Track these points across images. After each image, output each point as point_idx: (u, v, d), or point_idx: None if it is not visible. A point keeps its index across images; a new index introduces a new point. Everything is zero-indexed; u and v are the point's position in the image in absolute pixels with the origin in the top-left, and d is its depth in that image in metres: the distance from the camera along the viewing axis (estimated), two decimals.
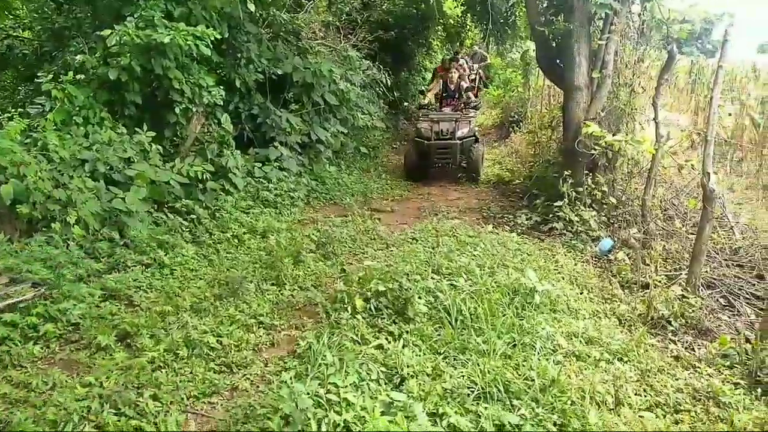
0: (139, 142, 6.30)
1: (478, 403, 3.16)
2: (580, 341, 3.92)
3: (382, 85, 11.94)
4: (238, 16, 7.60)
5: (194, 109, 7.01)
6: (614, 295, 4.94)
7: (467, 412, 3.09)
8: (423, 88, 11.73)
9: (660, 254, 5.55)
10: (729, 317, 4.74)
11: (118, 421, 3.07)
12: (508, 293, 4.38)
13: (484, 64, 15.64)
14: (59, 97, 6.10)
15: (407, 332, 3.98)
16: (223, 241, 5.99)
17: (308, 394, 3.05)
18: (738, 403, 3.35)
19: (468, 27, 18.30)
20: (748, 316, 4.73)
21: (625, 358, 3.79)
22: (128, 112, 6.68)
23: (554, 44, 7.46)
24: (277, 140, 8.67)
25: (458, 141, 9.18)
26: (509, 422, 2.97)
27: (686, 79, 15.68)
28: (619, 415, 3.17)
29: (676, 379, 3.63)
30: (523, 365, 3.50)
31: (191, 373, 3.59)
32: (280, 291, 4.92)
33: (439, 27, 17.09)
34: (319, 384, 3.21)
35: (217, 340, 3.95)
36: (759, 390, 3.50)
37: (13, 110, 6.09)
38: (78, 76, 6.26)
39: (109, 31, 6.25)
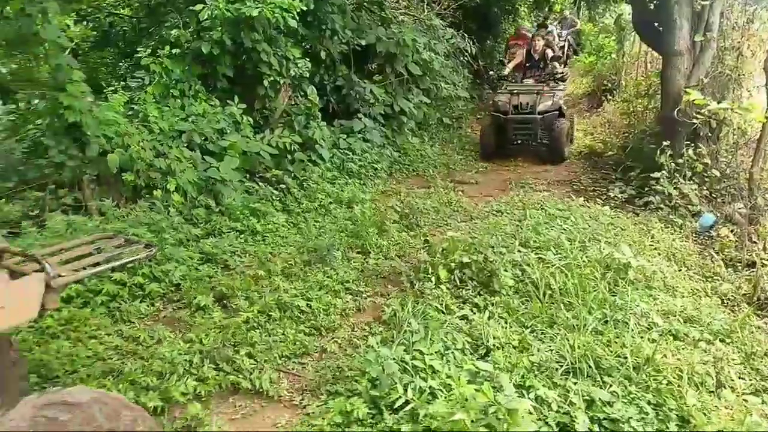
0: (231, 114, 6.53)
1: (566, 378, 3.09)
2: (678, 320, 3.73)
3: (466, 53, 11.70)
4: None
5: (282, 82, 7.16)
6: (716, 273, 4.64)
7: (555, 386, 3.03)
8: (502, 58, 10.96)
9: None
10: None
11: (217, 375, 3.26)
12: (600, 268, 4.22)
13: (573, 30, 14.90)
14: (157, 71, 6.41)
15: (492, 304, 3.94)
16: (311, 210, 6.15)
17: (394, 359, 3.10)
18: None
19: None
20: None
21: (728, 340, 3.57)
22: (220, 84, 6.93)
23: (653, 6, 6.98)
24: (361, 112, 8.72)
25: (539, 116, 8.38)
26: (600, 398, 2.88)
27: None
28: (719, 398, 3.00)
29: None
30: (615, 342, 3.38)
31: (283, 334, 3.75)
32: (365, 259, 5.01)
33: None
34: (405, 350, 3.26)
35: (307, 304, 4.09)
36: None
37: (116, 84, 6.49)
38: (173, 51, 6.54)
39: (201, 6, 6.46)
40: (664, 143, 6.15)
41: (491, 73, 12.19)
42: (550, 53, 9.48)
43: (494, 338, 3.47)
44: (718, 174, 6.05)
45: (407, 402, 2.84)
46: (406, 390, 2.91)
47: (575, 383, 3.02)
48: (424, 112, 9.85)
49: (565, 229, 5.12)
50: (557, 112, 8.54)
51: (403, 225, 5.86)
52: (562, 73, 9.21)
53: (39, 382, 3.11)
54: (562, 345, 3.35)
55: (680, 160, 6.02)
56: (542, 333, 3.59)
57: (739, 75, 6.81)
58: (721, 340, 3.54)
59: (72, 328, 3.69)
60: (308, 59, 7.56)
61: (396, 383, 2.94)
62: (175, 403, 3.05)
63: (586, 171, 8.19)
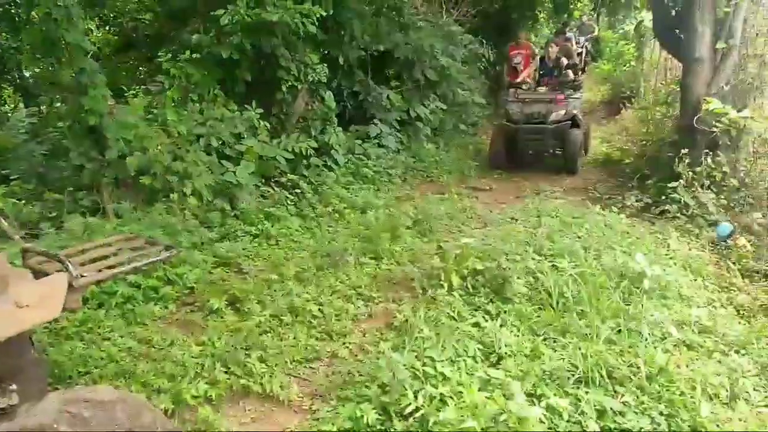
0: (249, 119, 6.60)
1: (578, 387, 3.06)
2: (693, 330, 3.67)
3: (484, 59, 11.69)
4: None
5: (300, 87, 7.22)
6: (733, 283, 4.57)
7: (567, 394, 3.00)
8: (516, 61, 10.32)
9: None
10: None
11: (228, 378, 3.28)
12: (615, 277, 4.19)
13: (590, 36, 14.79)
14: (177, 76, 6.51)
15: (505, 312, 3.92)
16: (325, 215, 6.18)
17: (405, 365, 3.10)
18: None
19: None
20: None
21: (743, 351, 3.50)
22: (238, 89, 7.01)
23: (674, 12, 6.92)
24: (377, 117, 8.76)
25: (551, 126, 8.05)
26: (611, 408, 2.86)
27: None
28: (734, 410, 2.95)
29: None
30: (629, 352, 3.34)
31: (294, 338, 3.77)
32: (377, 265, 5.01)
33: None
34: (416, 356, 3.26)
35: (319, 309, 4.10)
36: None
37: (136, 88, 6.59)
38: (194, 55, 6.63)
39: (222, 11, 6.55)
40: (683, 151, 6.09)
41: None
42: (564, 61, 9.27)
43: (506, 346, 3.44)
44: (736, 183, 5.95)
45: (417, 408, 2.84)
46: (416, 396, 2.91)
47: (587, 392, 2.99)
48: (440, 118, 9.87)
49: (579, 237, 5.08)
50: (570, 122, 8.23)
51: (417, 231, 5.85)
52: (577, 81, 8.99)
53: (52, 383, 3.16)
54: (575, 354, 3.32)
55: (698, 169, 5.94)
56: (554, 341, 3.56)
57: (761, 83, 6.71)
58: (737, 352, 3.48)
59: (86, 330, 3.74)
60: (326, 65, 7.62)
61: (406, 389, 2.94)
62: (186, 406, 3.07)
63: (602, 179, 8.12)
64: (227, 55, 6.60)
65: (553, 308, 3.89)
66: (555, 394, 2.96)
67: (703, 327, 3.73)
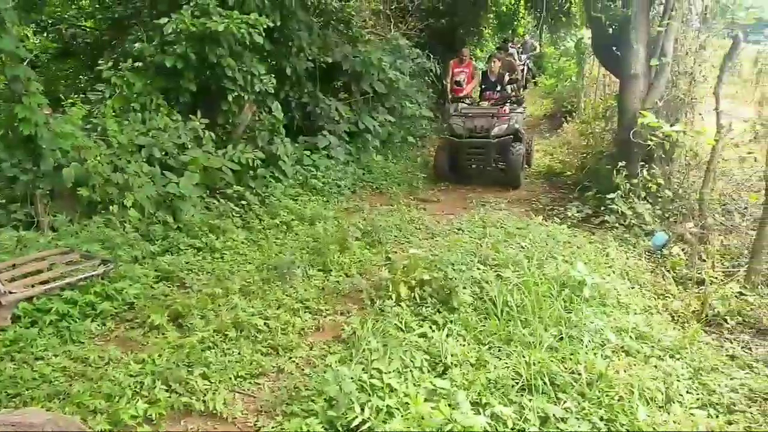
0: (193, 129, 6.47)
1: (522, 395, 3.12)
2: (630, 336, 3.80)
3: (431, 74, 11.87)
4: (290, 4, 7.68)
5: (246, 97, 7.14)
6: (667, 290, 4.77)
7: (511, 402, 3.05)
8: (459, 79, 10.45)
9: (717, 250, 5.33)
10: None
11: (169, 397, 3.18)
12: (556, 286, 4.29)
13: (531, 55, 15.25)
14: (118, 84, 6.34)
15: (451, 322, 3.96)
16: (272, 227, 6.10)
17: (352, 378, 3.08)
18: None
19: (521, 15, 17.95)
20: None
21: (678, 356, 3.66)
22: (183, 99, 6.87)
23: (611, 31, 7.23)
24: (325, 128, 8.76)
25: (494, 140, 8.08)
26: (554, 415, 2.92)
27: (751, 68, 14.93)
28: (668, 413, 3.07)
29: (731, 379, 3.47)
30: (570, 359, 3.44)
31: (239, 353, 3.68)
32: (326, 277, 4.98)
33: (491, 15, 16.82)
34: (363, 369, 3.24)
35: (265, 323, 4.03)
36: None
37: (75, 97, 6.37)
38: (136, 64, 6.48)
39: (165, 20, 6.42)
40: (620, 164, 6.33)
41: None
42: (507, 76, 9.44)
43: (452, 356, 3.48)
44: (670, 194, 6.23)
45: (364, 421, 2.82)
46: (363, 409, 2.89)
47: (530, 400, 3.05)
48: (389, 130, 9.94)
49: (523, 247, 5.21)
50: (513, 136, 8.31)
51: (366, 242, 5.85)
52: (519, 96, 9.10)
53: None
54: (519, 362, 3.39)
55: (635, 181, 6.19)
56: (499, 350, 3.62)
57: (691, 99, 7.06)
58: (671, 356, 3.63)
59: (17, 349, 3.56)
60: (273, 75, 7.57)
61: (353, 403, 2.92)
62: (124, 427, 2.96)
63: (545, 190, 8.35)
64: (171, 64, 6.47)
65: (498, 317, 3.95)
66: (500, 403, 3.00)
67: (640, 333, 3.87)
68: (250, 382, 3.47)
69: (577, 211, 6.74)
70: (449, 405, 2.83)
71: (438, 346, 3.57)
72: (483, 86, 9.67)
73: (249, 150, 6.82)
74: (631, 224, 5.96)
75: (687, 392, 3.27)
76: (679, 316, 4.36)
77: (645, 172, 6.24)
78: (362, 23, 10.80)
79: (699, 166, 6.65)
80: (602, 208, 6.39)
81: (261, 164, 6.90)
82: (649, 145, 6.22)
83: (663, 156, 6.59)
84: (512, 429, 2.86)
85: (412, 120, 10.90)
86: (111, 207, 5.27)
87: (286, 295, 4.52)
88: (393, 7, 12.34)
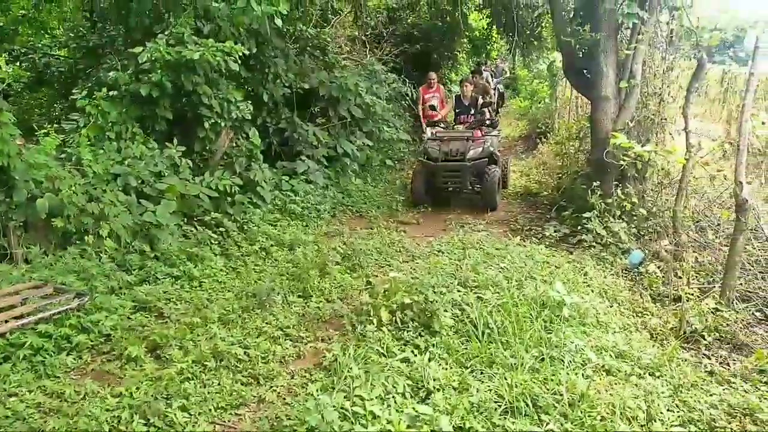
0: (170, 157, 6.44)
1: (505, 418, 3.12)
2: (610, 355, 3.83)
3: (407, 98, 12.01)
4: (265, 31, 7.74)
5: (223, 124, 7.14)
6: (645, 308, 4.83)
7: (494, 426, 3.05)
8: (433, 103, 10.49)
9: (692, 267, 5.42)
10: (765, 331, 4.59)
11: (147, 431, 3.11)
12: (536, 306, 4.32)
13: (501, 79, 15.55)
14: (93, 113, 6.29)
15: (433, 345, 3.95)
16: (251, 254, 6.06)
17: (334, 406, 3.05)
18: None
19: (494, 39, 18.30)
20: None
21: (657, 373, 3.69)
22: (159, 127, 6.84)
23: (581, 54, 7.40)
24: (303, 154, 8.78)
25: (469, 163, 8.14)
26: None
27: (718, 88, 15.35)
28: (650, 431, 3.09)
29: (711, 395, 3.51)
30: (552, 379, 3.44)
31: (219, 384, 3.63)
32: (306, 303, 4.95)
33: (465, 39, 17.12)
34: (345, 396, 3.22)
35: (245, 352, 3.98)
36: None
37: (48, 126, 6.30)
38: (111, 93, 6.45)
39: (140, 48, 6.42)
40: (594, 184, 6.44)
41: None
42: (480, 99, 9.55)
43: (434, 380, 3.46)
44: (645, 212, 6.35)
45: None
46: None
47: (513, 423, 3.05)
48: (367, 154, 10.00)
49: (502, 268, 5.24)
50: (488, 159, 8.37)
51: (346, 266, 5.84)
52: (493, 119, 9.15)
53: None
54: (501, 384, 3.39)
55: (609, 200, 6.29)
56: (482, 373, 3.61)
57: (661, 119, 7.24)
58: (651, 374, 3.66)
59: None
60: (250, 102, 7.59)
61: (335, 431, 2.89)
62: None
63: (522, 211, 8.44)
64: (146, 92, 6.45)
65: (479, 340, 3.95)
66: (483, 427, 3.00)
67: (620, 351, 3.90)
68: (230, 414, 3.41)
69: (555, 231, 6.82)
70: (432, 431, 2.82)
71: (420, 370, 3.56)
72: (457, 110, 9.77)
73: (226, 176, 6.80)
74: (608, 243, 6.04)
75: (668, 410, 3.29)
76: (657, 333, 4.41)
77: (619, 192, 6.36)
78: (338, 49, 10.94)
79: (671, 184, 6.80)
80: (579, 228, 6.48)
81: (239, 190, 6.88)
82: (622, 165, 6.34)
83: (636, 175, 6.72)
84: None
85: (390, 143, 11.00)
86: (86, 237, 5.20)
87: (266, 323, 4.47)
88: (368, 33, 12.53)
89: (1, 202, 5.04)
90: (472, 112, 9.48)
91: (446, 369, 3.64)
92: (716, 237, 6.15)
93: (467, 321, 4.17)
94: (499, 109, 11.97)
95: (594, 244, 6.09)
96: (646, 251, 5.86)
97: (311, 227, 7.34)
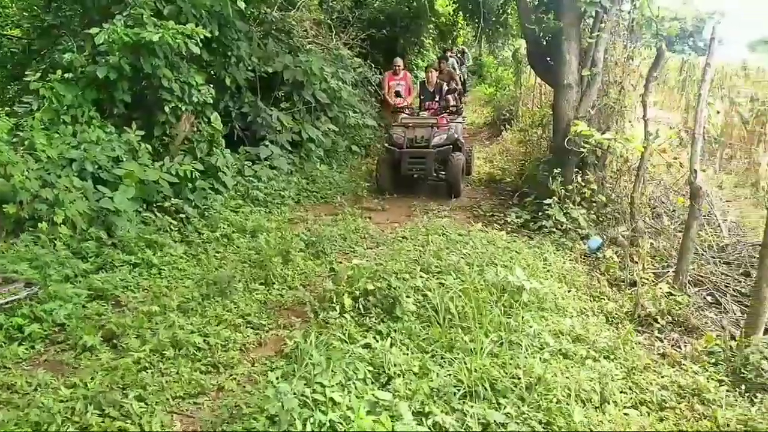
0: (128, 141, 6.28)
1: (464, 402, 3.15)
2: (567, 339, 3.92)
3: (373, 83, 11.95)
4: (228, 14, 7.57)
5: (184, 108, 6.98)
6: (602, 293, 4.95)
7: (453, 410, 3.09)
8: (398, 90, 10.35)
9: (648, 252, 5.57)
10: (715, 315, 4.76)
11: (102, 422, 3.05)
12: (496, 291, 4.38)
13: (464, 67, 15.61)
14: (47, 96, 6.06)
15: (395, 331, 3.97)
16: (212, 241, 5.97)
17: (294, 393, 3.03)
18: (722, 400, 3.37)
19: (460, 25, 18.30)
20: (734, 314, 4.75)
21: (612, 356, 3.79)
22: (117, 110, 6.65)
23: (545, 42, 7.47)
24: (267, 139, 8.67)
25: (433, 149, 8.18)
26: (495, 421, 2.97)
27: (677, 77, 15.70)
28: (604, 413, 3.17)
29: (662, 377, 3.63)
30: (510, 363, 3.50)
31: (177, 373, 3.58)
32: (268, 290, 4.91)
33: (431, 25, 17.09)
34: (306, 384, 3.20)
35: (204, 340, 3.94)
36: (743, 387, 3.52)
37: (0, 109, 6.07)
38: (66, 75, 6.22)
39: (97, 30, 6.20)
40: (556, 171, 6.53)
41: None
42: (445, 86, 9.55)
43: (395, 365, 3.48)
44: (604, 199, 6.48)
45: None
46: (305, 425, 2.85)
47: (472, 407, 3.09)
48: (332, 139, 9.92)
49: (464, 254, 5.28)
50: (452, 146, 8.42)
51: (310, 253, 5.81)
52: (458, 106, 9.15)
53: None
54: (460, 369, 3.42)
55: (570, 187, 6.39)
56: (442, 357, 3.65)
57: (621, 107, 7.37)
58: (606, 357, 3.76)
59: None
60: (212, 85, 7.44)
61: (295, 419, 2.88)
62: None
63: (485, 197, 8.52)
64: (104, 75, 6.24)
65: (440, 325, 3.99)
66: (442, 411, 3.03)
67: (576, 335, 4.00)
68: (189, 403, 3.38)
69: (516, 217, 6.91)
70: (392, 416, 2.84)
71: (381, 356, 3.56)
72: (422, 97, 9.75)
73: (187, 162, 6.66)
74: (568, 229, 6.16)
75: (621, 392, 3.39)
76: (613, 317, 4.53)
77: (579, 178, 6.47)
78: (303, 33, 10.77)
79: (630, 171, 6.94)
80: (540, 214, 6.58)
81: (200, 176, 6.74)
82: (582, 152, 6.46)
83: (596, 162, 6.85)
84: None
85: (356, 129, 10.93)
86: (40, 224, 5.03)
87: (227, 311, 4.42)
88: (334, 18, 12.38)
89: None
90: (437, 98, 9.48)
91: (407, 354, 3.66)
92: (671, 223, 6.34)
93: (429, 307, 4.20)
94: (462, 97, 11.96)
95: (554, 230, 6.20)
96: (605, 237, 5.99)
97: (275, 214, 7.27)
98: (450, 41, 18.01)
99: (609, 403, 3.26)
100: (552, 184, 6.44)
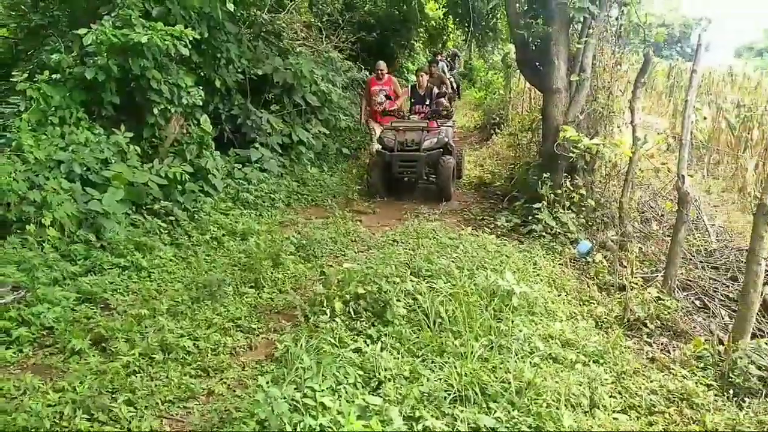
0: (117, 143, 6.23)
1: (454, 406, 3.16)
2: (557, 343, 3.94)
3: (363, 86, 11.94)
4: (217, 15, 7.54)
5: (173, 110, 6.94)
6: (592, 297, 4.98)
7: (443, 415, 3.09)
8: (379, 98, 9.77)
9: (636, 256, 5.60)
10: (704, 319, 4.81)
11: (91, 427, 3.03)
12: (487, 295, 4.39)
13: (455, 72, 15.66)
14: (34, 97, 6.00)
15: (386, 335, 3.97)
16: (202, 244, 5.94)
17: (284, 398, 3.02)
18: (710, 404, 3.40)
19: (450, 29, 18.37)
20: (722, 318, 4.80)
21: (601, 361, 3.82)
22: (105, 112, 6.59)
23: (533, 47, 7.51)
24: (257, 141, 8.64)
25: (424, 153, 8.18)
26: (485, 425, 2.98)
27: (665, 82, 15.89)
28: (593, 418, 3.19)
29: (651, 381, 3.66)
30: (500, 368, 3.51)
31: (167, 377, 3.56)
32: (258, 294, 4.89)
33: (421, 29, 17.14)
34: (296, 388, 3.19)
35: (194, 344, 3.92)
36: (731, 391, 3.55)
37: None
38: (54, 76, 6.17)
39: (85, 30, 6.16)
40: (545, 175, 6.56)
41: None
42: (436, 90, 9.55)
43: (386, 370, 3.48)
44: (593, 203, 6.52)
45: None
46: (295, 430, 2.85)
47: (462, 411, 3.10)
48: (323, 142, 9.91)
49: (455, 258, 5.30)
50: (442, 149, 8.40)
51: (300, 256, 5.80)
52: (449, 110, 9.17)
53: None
54: (451, 373, 3.43)
55: (559, 191, 6.42)
56: (432, 362, 3.65)
57: (609, 112, 7.43)
58: (596, 361, 3.78)
59: None
60: (202, 87, 7.40)
61: (285, 424, 2.87)
62: None
63: (476, 201, 8.54)
64: (92, 76, 6.19)
65: (431, 329, 4.00)
66: (432, 416, 3.03)
67: (566, 340, 4.02)
68: (178, 407, 3.36)
69: (507, 221, 6.93)
70: (382, 421, 2.84)
71: (372, 360, 3.57)
72: (413, 100, 9.74)
73: (177, 164, 6.63)
74: (557, 233, 6.19)
75: (610, 396, 3.41)
76: (602, 321, 4.56)
77: (568, 183, 6.50)
78: (294, 35, 10.76)
79: (618, 176, 7.00)
80: (530, 218, 6.60)
81: (189, 178, 6.70)
82: (571, 156, 6.50)
83: (585, 167, 6.88)
84: None
85: (347, 132, 10.93)
86: (28, 226, 4.99)
87: (217, 314, 4.40)
88: (325, 20, 12.38)
89: None
90: (428, 102, 9.48)
91: (398, 359, 3.66)
92: (660, 228, 6.39)
93: (419, 311, 4.20)
94: (452, 102, 11.92)
95: (544, 234, 6.22)
96: (594, 241, 6.03)
97: (265, 216, 7.24)
98: (440, 45, 18.08)
99: (598, 408, 3.28)
100: (541, 189, 6.47)
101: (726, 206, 8.16)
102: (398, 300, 4.30)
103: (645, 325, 4.49)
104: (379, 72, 9.95)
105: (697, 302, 5.11)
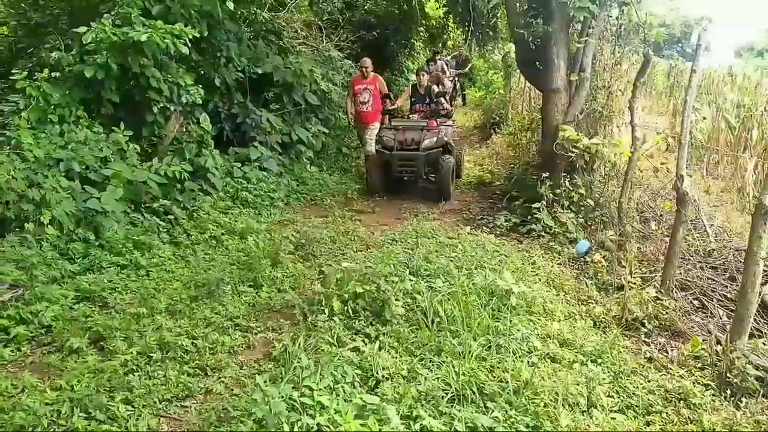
0: (116, 142, 6.23)
1: (452, 405, 3.17)
2: (555, 343, 3.95)
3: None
4: (217, 14, 7.54)
5: (172, 108, 6.95)
6: (590, 296, 4.98)
7: (441, 414, 3.10)
8: (363, 99, 9.30)
9: (635, 256, 5.60)
10: (702, 319, 4.81)
11: (88, 425, 3.03)
12: (485, 295, 4.40)
13: (461, 72, 15.62)
14: (34, 95, 6.00)
15: (384, 334, 3.98)
16: (201, 242, 5.94)
17: (282, 397, 3.03)
18: (708, 404, 3.40)
19: (450, 28, 18.36)
20: (721, 318, 4.80)
21: (599, 360, 3.82)
22: (105, 110, 6.59)
23: (533, 47, 7.50)
24: (257, 140, 8.63)
25: (423, 152, 8.18)
26: (482, 424, 2.98)
27: (665, 82, 15.87)
28: (591, 417, 3.20)
29: (649, 381, 3.67)
30: (498, 367, 3.52)
31: (164, 376, 3.55)
32: (257, 293, 4.89)
33: (421, 28, 17.13)
34: (294, 387, 3.20)
35: (192, 343, 3.91)
36: (728, 391, 3.56)
37: None
38: (53, 74, 6.17)
39: (84, 29, 6.16)
40: (544, 175, 6.57)
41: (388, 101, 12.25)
42: (436, 89, 9.54)
43: (383, 369, 3.49)
44: (592, 203, 6.53)
45: None
46: (293, 429, 2.85)
47: (459, 410, 3.10)
48: (323, 141, 9.90)
49: (453, 257, 5.31)
50: (442, 149, 8.36)
51: (299, 256, 5.80)
52: (448, 109, 9.14)
53: None
54: (449, 372, 3.44)
55: (558, 191, 6.43)
56: (430, 361, 3.66)
57: (609, 112, 7.44)
58: (593, 361, 3.78)
59: None
60: (201, 86, 7.40)
61: (283, 422, 2.88)
62: None
63: (475, 200, 8.54)
64: (91, 74, 6.19)
65: (429, 328, 4.00)
66: (430, 415, 3.03)
67: (564, 339, 4.02)
68: (176, 406, 3.35)
69: (506, 221, 6.94)
70: (379, 420, 2.85)
71: (370, 359, 3.58)
72: (413, 99, 9.72)
73: (176, 163, 6.62)
74: (556, 233, 6.19)
75: (608, 396, 3.41)
76: (600, 321, 4.56)
77: (568, 183, 6.51)
78: (294, 34, 10.76)
79: (617, 176, 7.00)
80: (529, 218, 6.61)
81: (189, 177, 6.70)
82: (571, 156, 6.50)
83: (584, 167, 6.89)
84: None
85: (346, 131, 10.92)
86: (26, 225, 4.99)
87: (215, 313, 4.40)
88: (325, 19, 12.36)
89: None
90: (427, 101, 9.46)
91: (396, 358, 3.67)
92: (659, 228, 6.38)
93: (418, 310, 4.21)
94: (452, 102, 11.89)
95: (543, 233, 6.23)
96: (593, 241, 6.02)
97: (264, 215, 7.25)
98: (440, 44, 18.06)
99: (596, 407, 3.28)
100: (541, 188, 6.47)
101: (725, 206, 8.14)
102: (397, 299, 4.31)
103: (643, 325, 4.49)
104: (364, 69, 9.29)
105: (696, 302, 5.11)
